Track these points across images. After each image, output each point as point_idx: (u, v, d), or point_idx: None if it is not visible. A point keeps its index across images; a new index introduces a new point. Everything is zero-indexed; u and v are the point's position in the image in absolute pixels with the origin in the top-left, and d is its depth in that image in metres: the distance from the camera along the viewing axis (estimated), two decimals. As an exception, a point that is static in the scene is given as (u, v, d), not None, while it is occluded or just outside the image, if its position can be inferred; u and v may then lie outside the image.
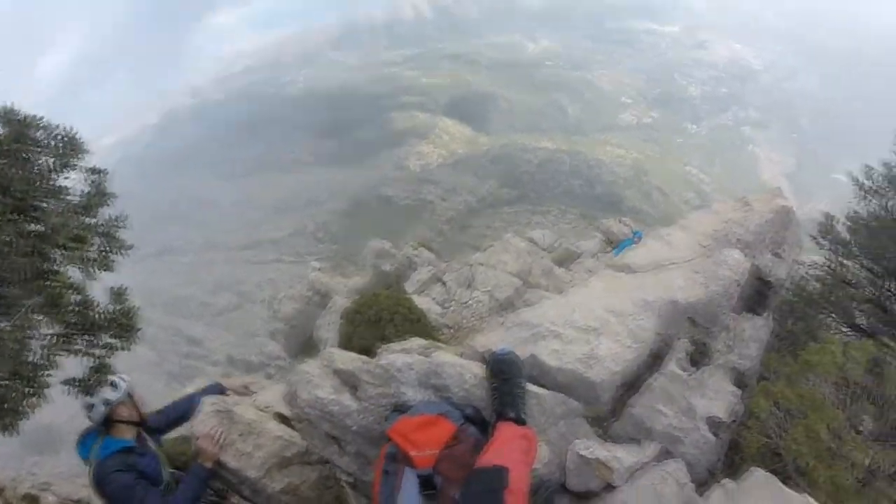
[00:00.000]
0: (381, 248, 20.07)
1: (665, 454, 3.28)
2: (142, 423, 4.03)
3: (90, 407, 3.76)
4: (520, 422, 2.83)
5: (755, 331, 4.23)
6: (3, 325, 3.24)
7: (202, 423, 4.03)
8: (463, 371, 3.15)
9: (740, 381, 3.83)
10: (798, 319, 6.16)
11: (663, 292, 3.74)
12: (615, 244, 16.84)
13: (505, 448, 2.57)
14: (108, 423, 3.84)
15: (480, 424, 2.93)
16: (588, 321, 3.54)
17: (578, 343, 3.39)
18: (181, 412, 4.31)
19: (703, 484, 3.27)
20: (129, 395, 3.92)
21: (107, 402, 3.76)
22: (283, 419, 4.43)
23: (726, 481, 2.93)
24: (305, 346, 21.08)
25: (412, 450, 2.69)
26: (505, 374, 2.98)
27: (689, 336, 3.78)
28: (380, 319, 8.40)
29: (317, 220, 63.98)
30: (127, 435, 3.87)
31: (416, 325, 8.40)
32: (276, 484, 3.97)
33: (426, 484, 2.65)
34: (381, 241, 21.40)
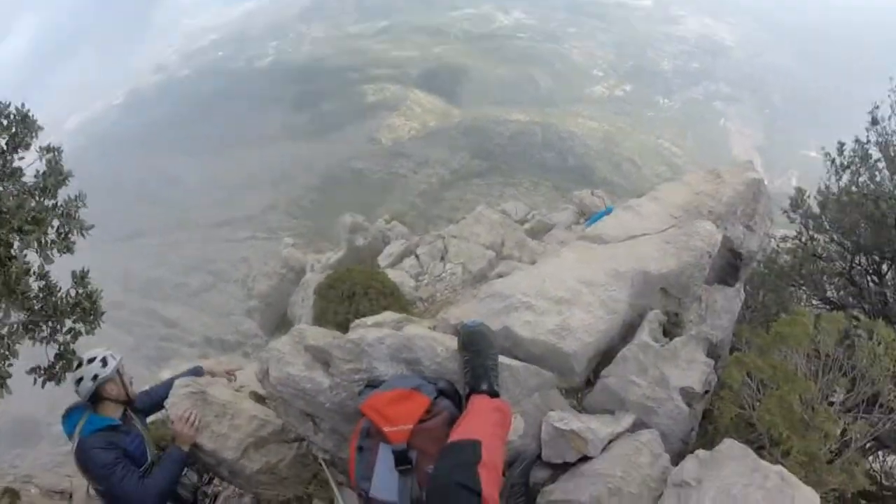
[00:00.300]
0: (353, 223, 19.92)
1: (639, 425, 3.31)
2: (129, 403, 3.99)
3: (78, 381, 3.73)
4: (493, 394, 2.81)
5: (727, 302, 4.27)
6: None
7: (176, 406, 4.00)
8: (434, 344, 3.13)
9: (713, 351, 3.86)
10: (769, 291, 6.23)
11: (635, 263, 3.73)
12: (588, 216, 16.85)
13: (478, 421, 2.56)
14: (95, 399, 3.80)
15: (454, 398, 2.92)
16: (560, 292, 3.53)
17: (551, 314, 3.39)
18: (164, 395, 4.27)
19: (677, 454, 3.30)
20: (119, 373, 3.87)
21: (95, 378, 3.71)
22: (258, 398, 4.40)
23: (700, 451, 2.95)
24: (281, 324, 21.01)
25: (385, 425, 2.68)
26: (476, 347, 2.95)
27: (661, 307, 3.80)
28: (353, 294, 8.37)
29: (289, 196, 63.16)
30: (113, 413, 3.84)
31: (389, 298, 8.41)
32: (254, 464, 3.97)
33: (401, 459, 2.65)
34: (354, 215, 21.18)
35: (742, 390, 3.35)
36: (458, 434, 2.43)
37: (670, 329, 3.79)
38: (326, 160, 68.65)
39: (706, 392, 3.54)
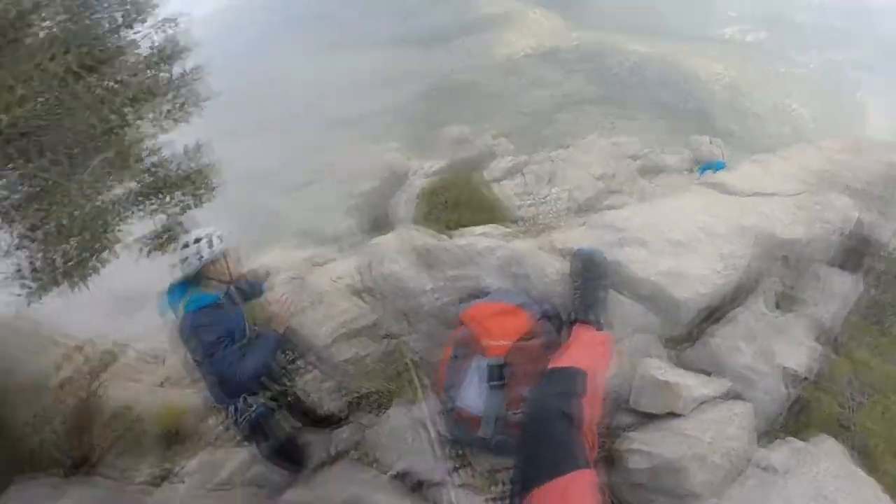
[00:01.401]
0: (459, 134, 19.52)
1: (732, 394, 3.10)
2: (232, 282, 4.06)
3: (183, 260, 3.77)
4: (599, 327, 2.71)
5: (844, 288, 3.85)
6: (72, 183, 3.20)
7: (274, 290, 4.11)
8: (545, 264, 3.01)
9: (820, 337, 3.58)
10: (885, 291, 5.77)
11: (761, 221, 3.41)
12: (700, 164, 15.99)
13: (585, 352, 2.46)
14: (199, 277, 3.86)
15: (556, 322, 2.83)
16: (677, 235, 3.30)
17: (666, 256, 3.17)
18: (261, 284, 4.38)
19: (761, 434, 3.10)
20: (224, 255, 3.90)
21: (200, 258, 3.76)
22: (354, 291, 4.48)
23: (792, 439, 2.77)
24: (379, 224, 21.33)
25: (485, 337, 2.63)
26: (590, 274, 2.81)
27: (779, 276, 3.49)
28: (457, 203, 8.35)
29: (396, 102, 63.17)
30: (216, 291, 3.90)
31: (492, 213, 8.33)
32: (343, 353, 4.05)
33: (495, 374, 2.61)
34: (460, 126, 20.79)
35: (846, 388, 3.09)
36: (564, 361, 2.35)
37: (782, 302, 3.49)
38: (436, 70, 67.76)
39: (805, 378, 3.28)
